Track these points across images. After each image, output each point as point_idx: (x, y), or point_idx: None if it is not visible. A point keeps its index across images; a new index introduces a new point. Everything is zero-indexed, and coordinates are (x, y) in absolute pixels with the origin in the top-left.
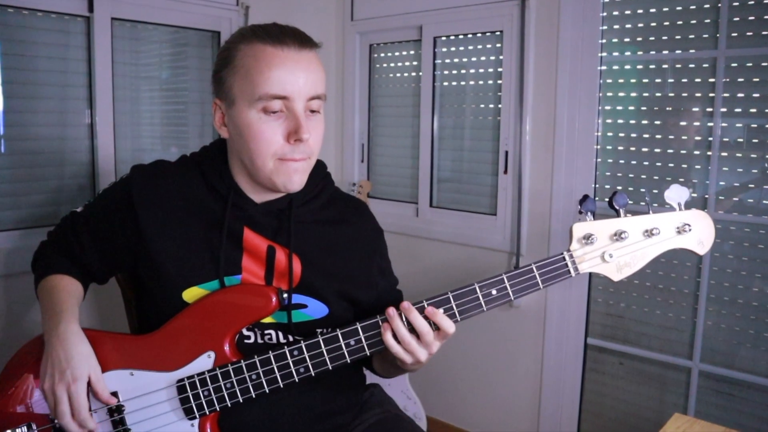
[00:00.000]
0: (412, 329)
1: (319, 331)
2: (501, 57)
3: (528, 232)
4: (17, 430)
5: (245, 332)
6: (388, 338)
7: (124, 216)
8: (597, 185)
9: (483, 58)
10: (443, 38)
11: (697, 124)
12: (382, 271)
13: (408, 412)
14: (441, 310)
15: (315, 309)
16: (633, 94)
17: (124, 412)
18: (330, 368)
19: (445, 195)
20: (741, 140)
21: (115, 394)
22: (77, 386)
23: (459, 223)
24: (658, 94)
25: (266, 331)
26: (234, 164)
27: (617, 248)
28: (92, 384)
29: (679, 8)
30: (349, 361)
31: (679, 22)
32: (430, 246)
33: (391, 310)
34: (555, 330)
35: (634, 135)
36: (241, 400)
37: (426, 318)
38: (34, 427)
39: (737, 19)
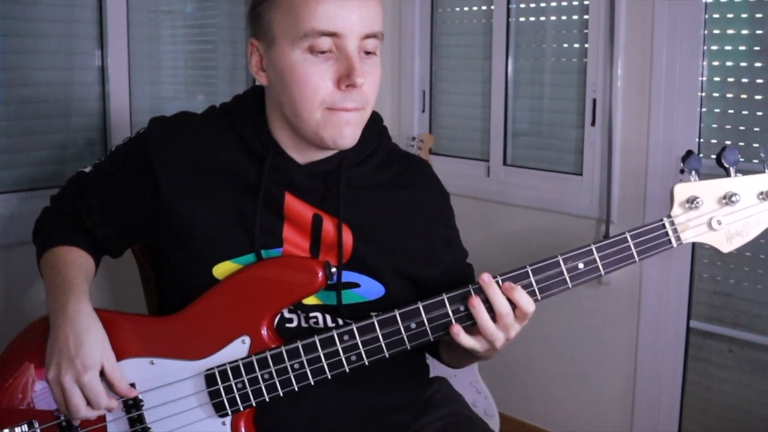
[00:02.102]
0: (488, 310)
1: (373, 314)
2: None
3: (620, 195)
4: (16, 429)
5: (286, 314)
6: (479, 314)
7: (141, 178)
8: (702, 139)
9: None
10: None
11: None
12: (448, 242)
13: (477, 409)
14: (519, 287)
15: (369, 289)
16: (744, 32)
17: (142, 408)
18: (387, 356)
19: (522, 151)
20: None
21: (132, 386)
22: (89, 376)
23: (538, 184)
24: None
25: (311, 314)
26: (273, 117)
27: (727, 214)
28: (106, 374)
29: None
30: (409, 348)
31: None
32: (503, 212)
33: (486, 276)
34: (652, 311)
35: (745, 80)
36: (281, 394)
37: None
38: (35, 425)
39: None
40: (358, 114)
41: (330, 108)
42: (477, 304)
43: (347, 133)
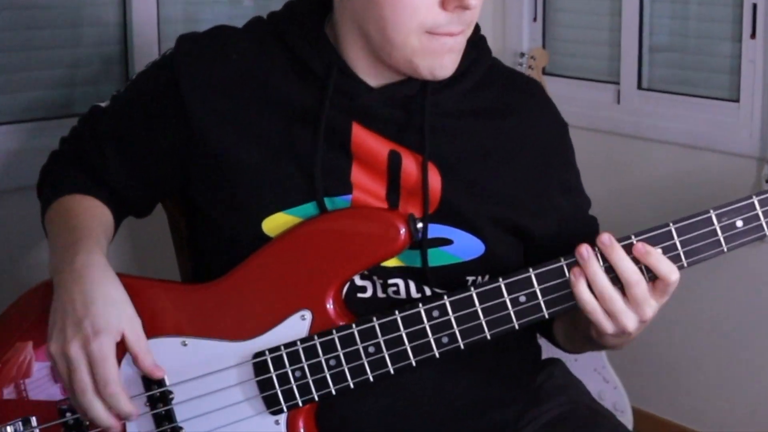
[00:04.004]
0: (614, 280)
1: (470, 279)
2: None
3: None
4: (8, 427)
5: (358, 282)
6: (581, 292)
7: (169, 112)
8: None
9: None
10: None
11: None
12: (567, 187)
13: (605, 402)
14: (658, 250)
15: (464, 246)
16: None
17: (171, 403)
18: (488, 337)
19: (661, 71)
20: None
21: None
22: (101, 342)
23: (682, 113)
24: None
25: (390, 281)
26: (345, 30)
27: None
28: (128, 343)
29: None
30: (517, 327)
31: None
32: (637, 149)
33: (585, 249)
34: None
35: None
36: (351, 386)
37: (635, 261)
38: (33, 422)
39: None
40: (462, 37)
41: (431, 32)
42: (576, 277)
43: (448, 62)
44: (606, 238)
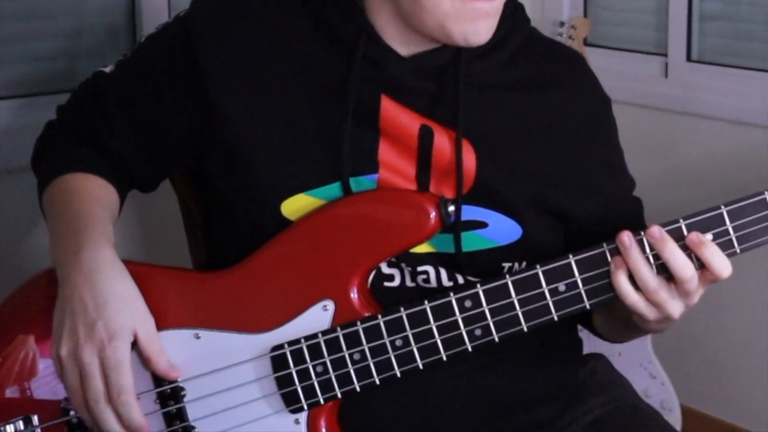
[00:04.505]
0: (660, 267)
1: (506, 266)
2: None
3: None
4: (7, 427)
5: (385, 269)
6: (621, 283)
7: (182, 79)
8: None
9: None
10: None
11: None
12: (610, 166)
13: (651, 399)
14: (709, 236)
15: (499, 229)
16: None
17: (183, 400)
18: (525, 329)
19: (713, 42)
20: None
21: None
22: (116, 347)
23: (734, 87)
24: None
25: (420, 268)
26: None
27: None
28: (141, 345)
29: None
30: (556, 319)
31: None
32: (686, 126)
33: (626, 237)
34: None
35: None
36: (377, 382)
37: (684, 247)
38: (35, 421)
39: None
40: (498, 2)
41: None
42: (616, 267)
43: (483, 27)
44: (656, 231)
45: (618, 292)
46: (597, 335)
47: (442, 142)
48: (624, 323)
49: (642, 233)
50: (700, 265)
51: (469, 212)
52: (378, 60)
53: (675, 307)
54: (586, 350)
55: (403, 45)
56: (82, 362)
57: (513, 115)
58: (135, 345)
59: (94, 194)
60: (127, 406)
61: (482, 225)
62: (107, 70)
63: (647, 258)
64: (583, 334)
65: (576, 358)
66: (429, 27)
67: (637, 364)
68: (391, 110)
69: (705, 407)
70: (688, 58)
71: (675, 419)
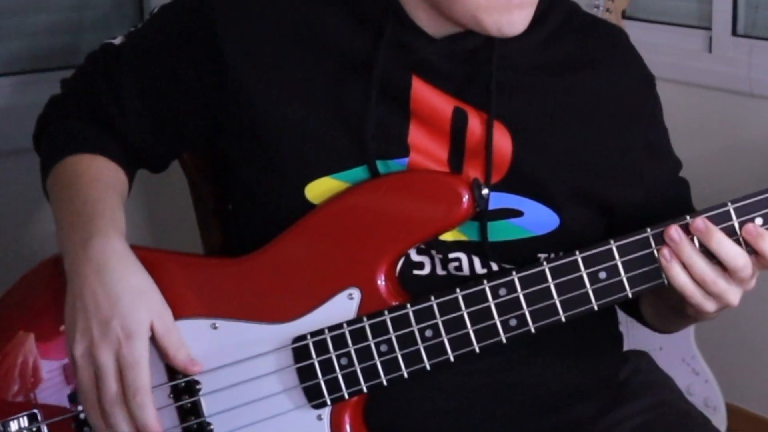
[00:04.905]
0: (712, 256)
1: (542, 257)
2: None
3: None
4: (11, 423)
5: (414, 257)
6: (676, 276)
7: (199, 54)
8: None
9: None
10: None
11: None
12: (654, 148)
13: (694, 397)
14: (759, 220)
15: (536, 219)
16: None
17: (199, 394)
18: (563, 319)
19: (760, 15)
20: None
21: None
22: (133, 346)
23: None
24: None
25: (451, 255)
26: None
27: None
28: (158, 337)
29: None
30: (596, 308)
31: None
32: (732, 104)
33: (675, 232)
34: None
35: None
36: (405, 375)
37: (731, 232)
38: (38, 417)
39: None
40: None
41: None
42: (669, 260)
43: (519, 18)
44: (700, 224)
45: (675, 285)
46: (645, 325)
47: (476, 125)
48: (675, 311)
49: (688, 218)
50: (750, 251)
51: (504, 200)
52: (407, 42)
53: (734, 295)
54: (626, 347)
55: (433, 27)
56: (98, 363)
57: (551, 97)
58: (151, 338)
59: (103, 178)
60: (142, 408)
61: (517, 213)
62: (116, 41)
63: (699, 250)
64: (624, 328)
65: (616, 354)
66: (459, 16)
67: (679, 360)
68: (422, 91)
69: (752, 406)
70: (734, 32)
71: (720, 419)
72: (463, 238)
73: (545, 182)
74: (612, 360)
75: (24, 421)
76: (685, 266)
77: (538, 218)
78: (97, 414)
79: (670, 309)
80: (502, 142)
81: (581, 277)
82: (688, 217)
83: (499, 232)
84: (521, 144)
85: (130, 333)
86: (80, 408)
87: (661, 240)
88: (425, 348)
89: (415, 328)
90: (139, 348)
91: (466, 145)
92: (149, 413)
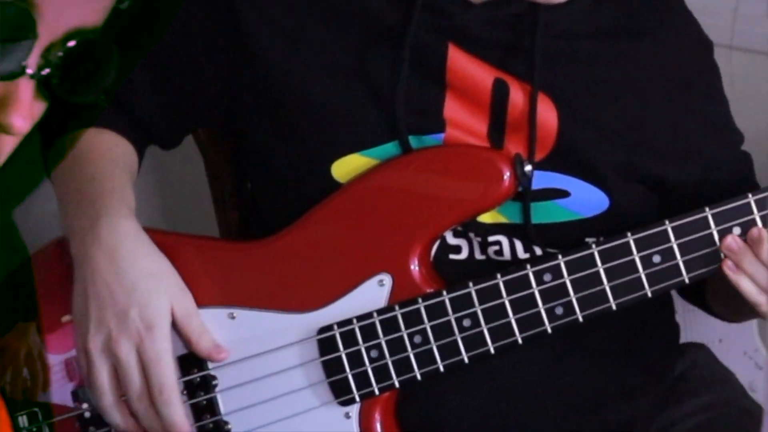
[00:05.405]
0: None
1: (590, 241)
2: None
3: None
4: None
5: (450, 240)
6: (743, 284)
7: (215, 23)
8: None
9: None
10: None
11: None
12: (713, 122)
13: (757, 394)
14: None
15: (584, 199)
16: None
17: (215, 390)
18: (613, 307)
19: None
20: None
21: None
22: (154, 337)
23: None
24: None
25: (491, 238)
26: None
27: None
28: (179, 324)
29: None
30: (650, 294)
31: None
32: None
33: (733, 242)
34: None
35: None
36: (440, 369)
37: None
38: (39, 416)
39: None
40: None
41: None
42: (733, 270)
43: None
44: (756, 233)
45: (742, 292)
46: (711, 313)
47: (518, 97)
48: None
49: (750, 196)
50: None
51: (549, 179)
52: (443, 6)
53: None
54: (683, 339)
55: None
56: (118, 358)
57: (600, 67)
58: (172, 325)
59: (110, 153)
60: (169, 405)
61: (564, 194)
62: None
63: (761, 258)
64: (680, 318)
65: (672, 347)
66: None
67: (741, 353)
68: (459, 61)
69: None
70: None
71: None
72: (503, 220)
73: (594, 160)
74: (667, 353)
75: (24, 421)
76: (749, 277)
77: (586, 199)
78: (117, 412)
79: (742, 299)
80: (547, 115)
81: (633, 261)
82: (750, 195)
83: (543, 213)
84: (568, 118)
85: (150, 324)
86: (85, 406)
87: (721, 220)
88: (463, 339)
89: (451, 317)
90: (161, 340)
91: (507, 119)
92: (177, 410)
